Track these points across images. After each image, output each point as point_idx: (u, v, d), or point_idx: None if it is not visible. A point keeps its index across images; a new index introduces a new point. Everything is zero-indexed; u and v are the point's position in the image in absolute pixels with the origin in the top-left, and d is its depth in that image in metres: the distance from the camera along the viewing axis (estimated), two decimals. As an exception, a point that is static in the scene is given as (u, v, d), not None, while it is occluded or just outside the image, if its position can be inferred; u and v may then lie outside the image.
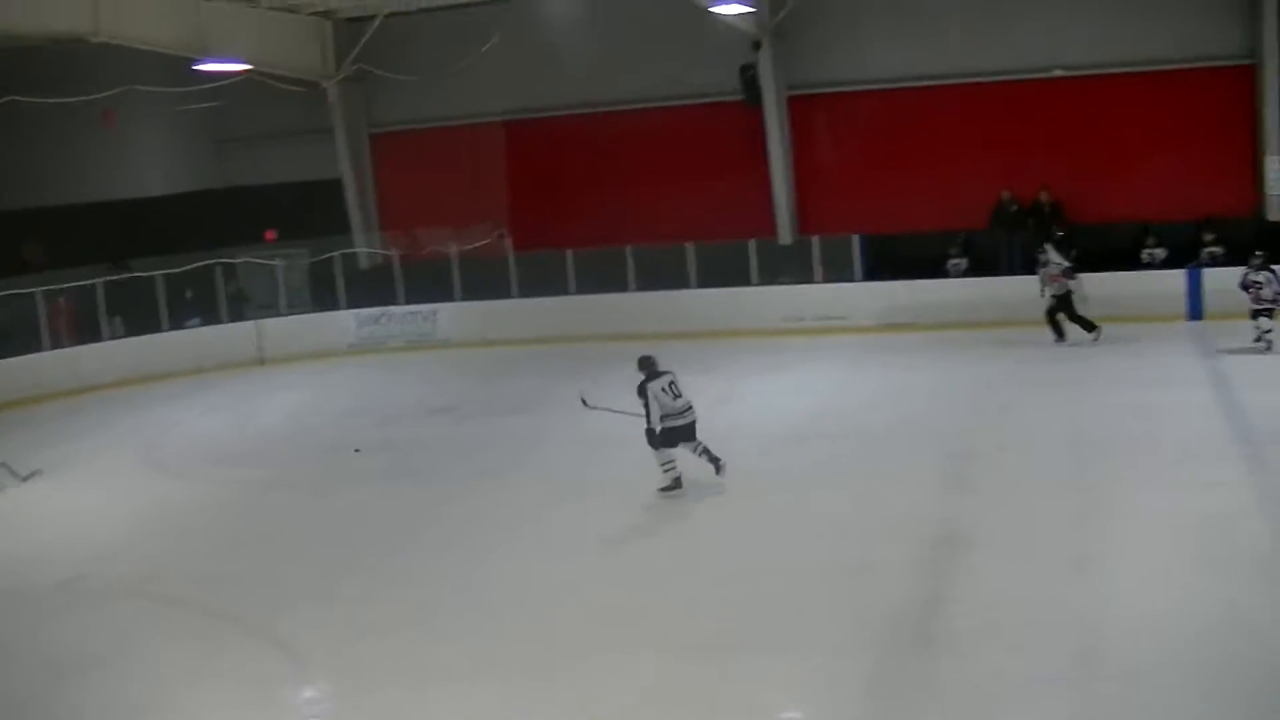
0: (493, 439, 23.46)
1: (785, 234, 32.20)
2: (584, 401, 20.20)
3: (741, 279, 30.72)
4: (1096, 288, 26.48)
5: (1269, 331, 24.56)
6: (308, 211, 35.36)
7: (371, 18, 33.54)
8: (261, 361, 32.31)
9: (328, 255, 33.39)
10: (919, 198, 30.84)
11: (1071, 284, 26.37)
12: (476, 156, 35.18)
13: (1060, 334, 26.72)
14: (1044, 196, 29.95)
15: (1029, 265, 27.77)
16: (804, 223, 32.31)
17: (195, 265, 32.49)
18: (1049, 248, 26.87)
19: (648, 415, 18.21)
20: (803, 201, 32.39)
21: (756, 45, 31.18)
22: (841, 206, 31.93)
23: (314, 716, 13.21)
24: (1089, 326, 26.42)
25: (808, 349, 28.62)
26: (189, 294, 32.80)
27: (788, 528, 17.09)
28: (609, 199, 33.42)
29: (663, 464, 18.61)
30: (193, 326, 32.84)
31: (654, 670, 13.06)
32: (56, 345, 31.59)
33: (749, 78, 31.75)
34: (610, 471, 19.79)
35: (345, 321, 33.07)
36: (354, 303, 33.22)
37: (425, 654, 14.04)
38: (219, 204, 36.09)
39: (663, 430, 18.33)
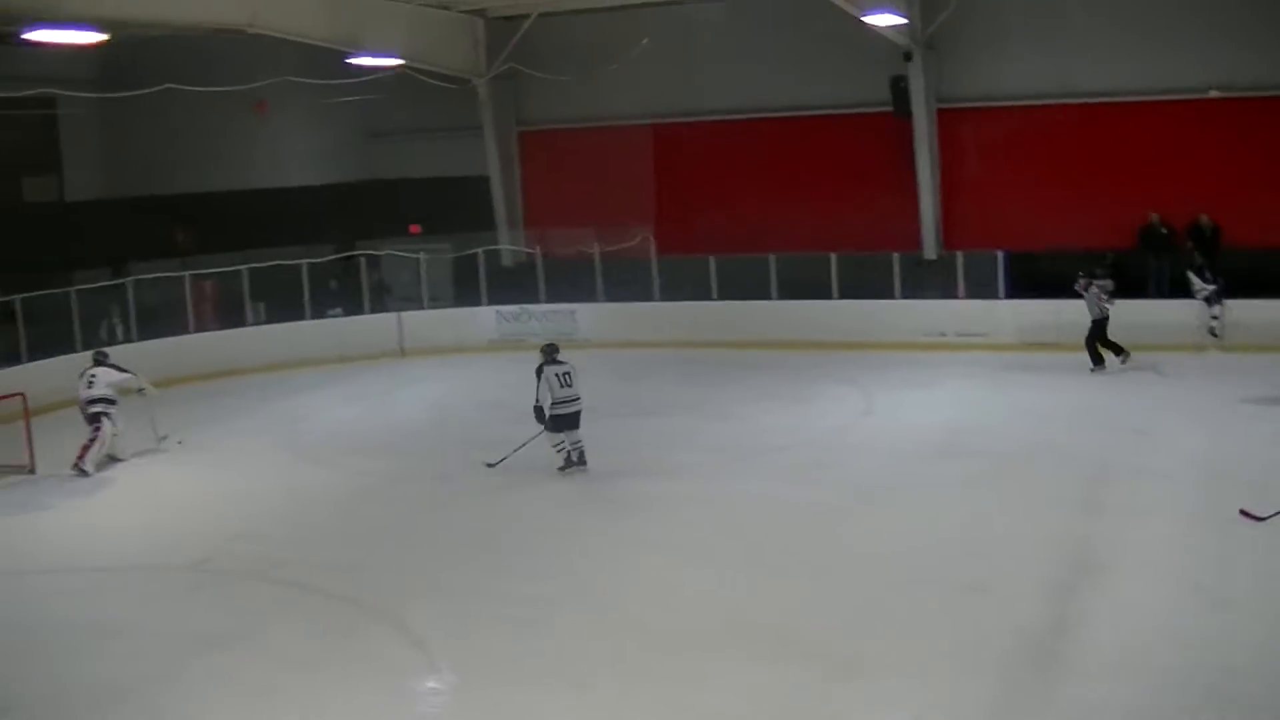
0: (626, 441, 23.40)
1: (930, 248, 31.93)
2: (489, 465, 21.45)
3: (883, 291, 30.42)
4: (1252, 314, 26.01)
5: None
6: (453, 207, 35.61)
7: (524, 17, 33.72)
8: (402, 353, 32.57)
9: (471, 251, 33.55)
10: (1064, 216, 30.40)
11: (1109, 308, 26.72)
12: (623, 158, 35.22)
13: (1099, 360, 26.88)
14: (1204, 220, 29.32)
15: (1175, 288, 27.35)
16: (948, 237, 32.00)
17: (340, 256, 32.83)
18: (1191, 274, 26.52)
19: (537, 394, 20.69)
20: (948, 216, 32.08)
21: (908, 57, 30.90)
22: (986, 222, 31.57)
23: (436, 707, 13.26)
24: (1118, 351, 26.79)
25: (948, 364, 28.33)
26: (333, 283, 33.18)
27: (919, 543, 16.97)
28: (754, 206, 33.31)
29: (553, 445, 21.03)
30: (335, 316, 33.19)
31: (776, 682, 13.01)
32: (201, 329, 32.16)
33: (899, 89, 31.47)
34: (743, 481, 19.73)
35: (486, 317, 33.22)
36: (495, 299, 33.35)
37: (549, 652, 14.10)
38: (365, 196, 36.51)
39: (551, 416, 20.70)
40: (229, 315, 32.72)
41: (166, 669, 14.41)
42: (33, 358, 28.37)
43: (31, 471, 23.34)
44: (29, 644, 15.56)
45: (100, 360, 23.81)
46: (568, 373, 20.90)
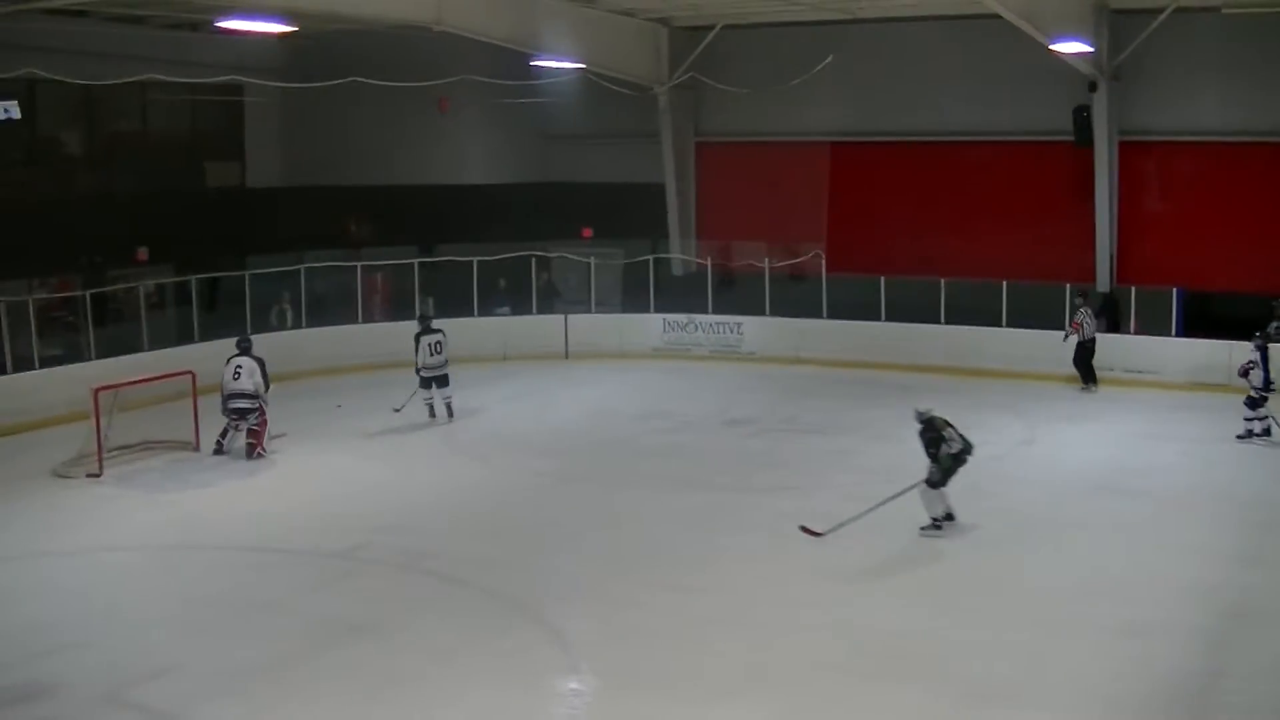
0: (784, 457, 23.28)
1: (1103, 280, 31.21)
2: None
3: (1052, 322, 29.78)
4: None
5: None
6: (625, 213, 35.59)
7: (708, 28, 33.66)
8: (566, 355, 32.60)
9: (642, 258, 33.50)
10: (1244, 257, 29.66)
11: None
12: (798, 174, 35.02)
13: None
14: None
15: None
16: (1122, 271, 31.29)
17: (510, 255, 32.97)
18: None
19: (416, 356, 26.15)
20: (1124, 249, 31.36)
21: (1093, 87, 30.25)
22: (1162, 258, 30.84)
23: (576, 709, 13.23)
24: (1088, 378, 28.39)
25: (1114, 400, 27.65)
26: (502, 282, 33.30)
27: (1072, 580, 16.62)
28: (927, 228, 32.88)
29: (424, 399, 26.34)
30: (502, 314, 33.32)
31: (920, 708, 12.89)
32: (369, 319, 32.54)
33: (1081, 119, 30.83)
34: (897, 506, 19.46)
35: (653, 325, 33.15)
36: (662, 307, 33.25)
37: (690, 663, 14.03)
38: (539, 197, 36.65)
39: (421, 377, 26.15)
40: (397, 308, 32.96)
41: (311, 651, 14.58)
42: (205, 338, 28.85)
43: (195, 449, 23.76)
44: (184, 617, 15.80)
45: (245, 350, 23.92)
46: (438, 342, 26.19)
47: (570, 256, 34.08)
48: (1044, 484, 21.06)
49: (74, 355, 27.45)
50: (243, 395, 23.32)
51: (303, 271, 31.51)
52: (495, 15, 29.21)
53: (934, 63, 32.46)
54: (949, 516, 18.64)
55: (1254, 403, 23.95)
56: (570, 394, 29.01)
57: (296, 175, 36.07)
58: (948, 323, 30.31)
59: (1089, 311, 28.46)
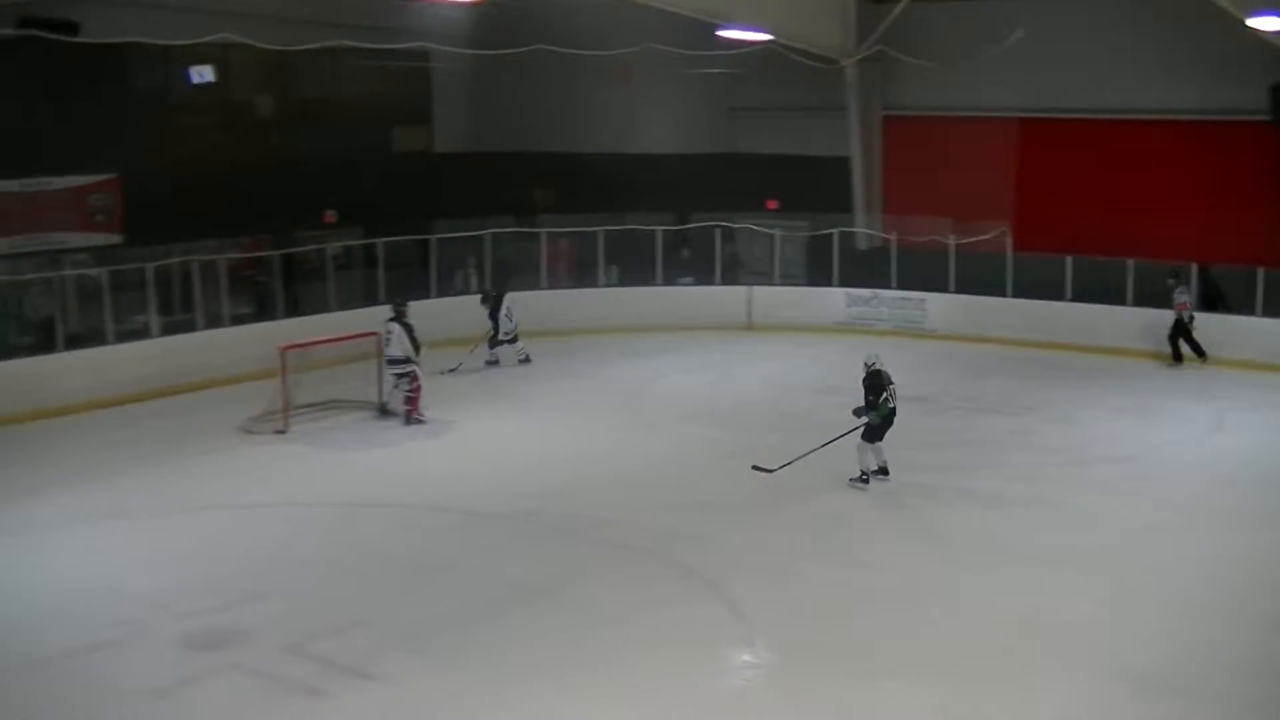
0: (963, 435, 23.00)
1: (1299, 266, 30.34)
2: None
3: (1241, 306, 29.01)
4: None
5: None
6: (810, 186, 35.33)
7: (896, 0, 33.29)
8: (749, 327, 32.47)
9: (827, 231, 33.22)
10: None
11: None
12: (985, 150, 34.48)
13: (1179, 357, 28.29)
14: None
15: None
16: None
17: (695, 225, 32.93)
18: None
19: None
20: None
21: (1292, 64, 29.43)
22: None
23: (749, 681, 13.25)
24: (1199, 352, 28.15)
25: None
26: (685, 252, 33.30)
27: (1237, 571, 16.33)
28: (1115, 208, 32.16)
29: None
30: (685, 284, 33.31)
31: (1090, 695, 12.76)
32: (553, 286, 32.72)
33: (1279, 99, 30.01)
34: (1067, 488, 19.14)
35: (835, 299, 32.88)
36: (846, 281, 32.93)
37: (862, 640, 14.02)
38: (724, 169, 36.52)
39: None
40: (581, 275, 33.14)
41: (483, 611, 14.80)
42: (390, 300, 29.19)
43: (379, 410, 24.05)
44: (364, 573, 16.04)
45: (399, 315, 24.02)
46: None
47: (755, 228, 33.95)
48: (1218, 474, 20.51)
49: (263, 314, 27.93)
50: (393, 361, 23.63)
51: (488, 236, 31.78)
52: (682, -16, 29.17)
53: (1125, 38, 31.74)
54: (882, 471, 19.26)
55: None
56: (752, 366, 28.88)
57: (482, 141, 36.34)
58: (1136, 304, 29.66)
59: (1185, 289, 28.23)
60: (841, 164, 35.57)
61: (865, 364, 19.77)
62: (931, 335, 31.34)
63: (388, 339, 23.68)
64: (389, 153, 36.14)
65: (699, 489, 19.66)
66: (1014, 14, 31.77)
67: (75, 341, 26.12)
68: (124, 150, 29.57)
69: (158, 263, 27.20)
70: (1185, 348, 28.17)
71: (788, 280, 33.61)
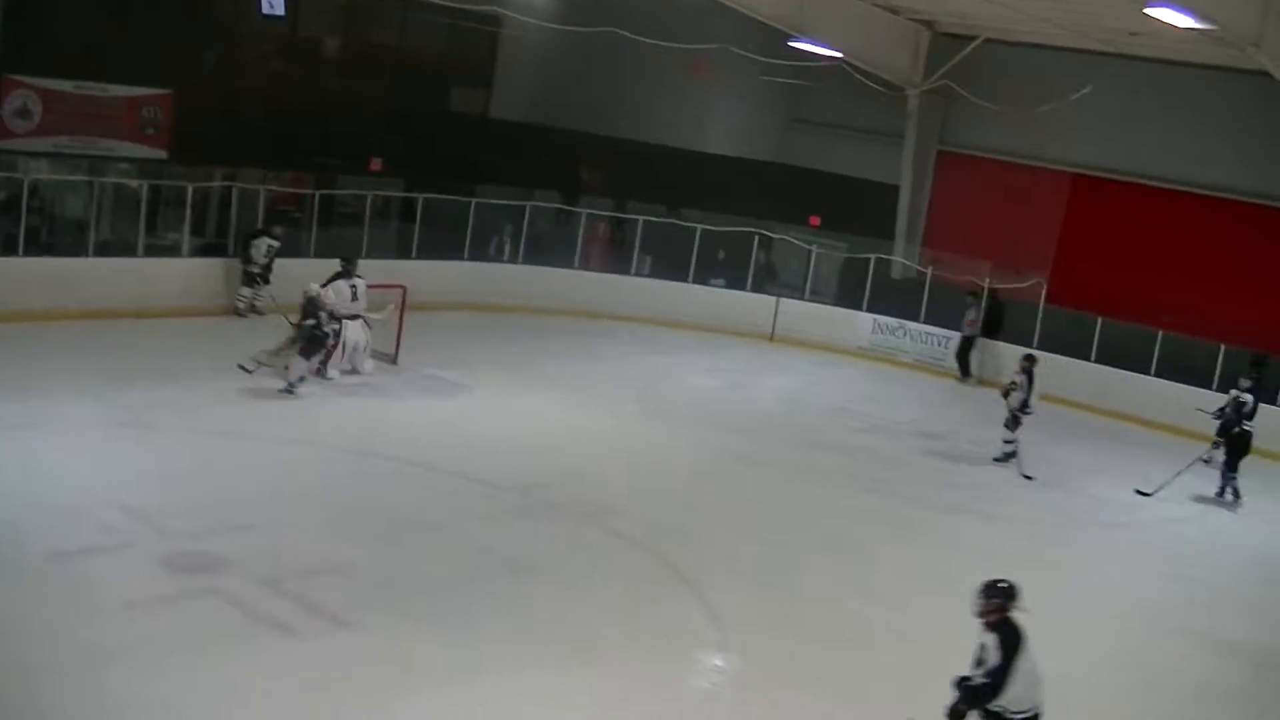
0: (977, 478, 22.87)
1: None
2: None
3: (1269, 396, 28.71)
4: None
5: None
6: (855, 208, 35.26)
7: (970, 37, 33.21)
8: (771, 338, 32.46)
9: (864, 255, 33.19)
10: None
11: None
12: (1034, 199, 34.37)
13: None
14: None
15: None
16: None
17: (735, 229, 32.94)
18: None
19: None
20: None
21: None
22: None
23: (714, 684, 13.28)
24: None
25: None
26: (721, 254, 33.29)
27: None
28: (1153, 276, 32.06)
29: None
30: (716, 286, 33.33)
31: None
32: (585, 267, 32.84)
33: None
34: (1080, 546, 19.08)
35: (862, 323, 32.84)
36: (875, 307, 32.91)
37: (839, 662, 13.97)
38: (773, 178, 36.47)
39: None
40: (615, 261, 33.19)
41: (466, 576, 14.88)
42: (421, 256, 29.28)
43: (394, 362, 24.09)
44: (354, 522, 16.08)
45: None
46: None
47: (793, 240, 33.95)
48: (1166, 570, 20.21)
49: (295, 250, 27.99)
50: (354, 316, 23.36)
51: (528, 208, 31.83)
52: (765, -9, 29.24)
53: (1193, 111, 31.56)
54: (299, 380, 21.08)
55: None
56: (768, 377, 28.90)
57: (538, 114, 36.27)
58: (1157, 375, 29.54)
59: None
60: (889, 191, 35.53)
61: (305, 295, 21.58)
62: (952, 374, 31.27)
63: (355, 291, 23.34)
64: (444, 110, 36.08)
65: (701, 491, 19.71)
66: (1085, 68, 31.71)
67: (105, 249, 26.28)
68: (183, 68, 29.57)
69: (198, 184, 27.30)
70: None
71: (817, 297, 33.62)
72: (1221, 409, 23.46)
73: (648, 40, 29.90)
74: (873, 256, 32.93)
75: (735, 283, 33.33)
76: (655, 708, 12.46)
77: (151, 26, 28.97)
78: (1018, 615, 11.01)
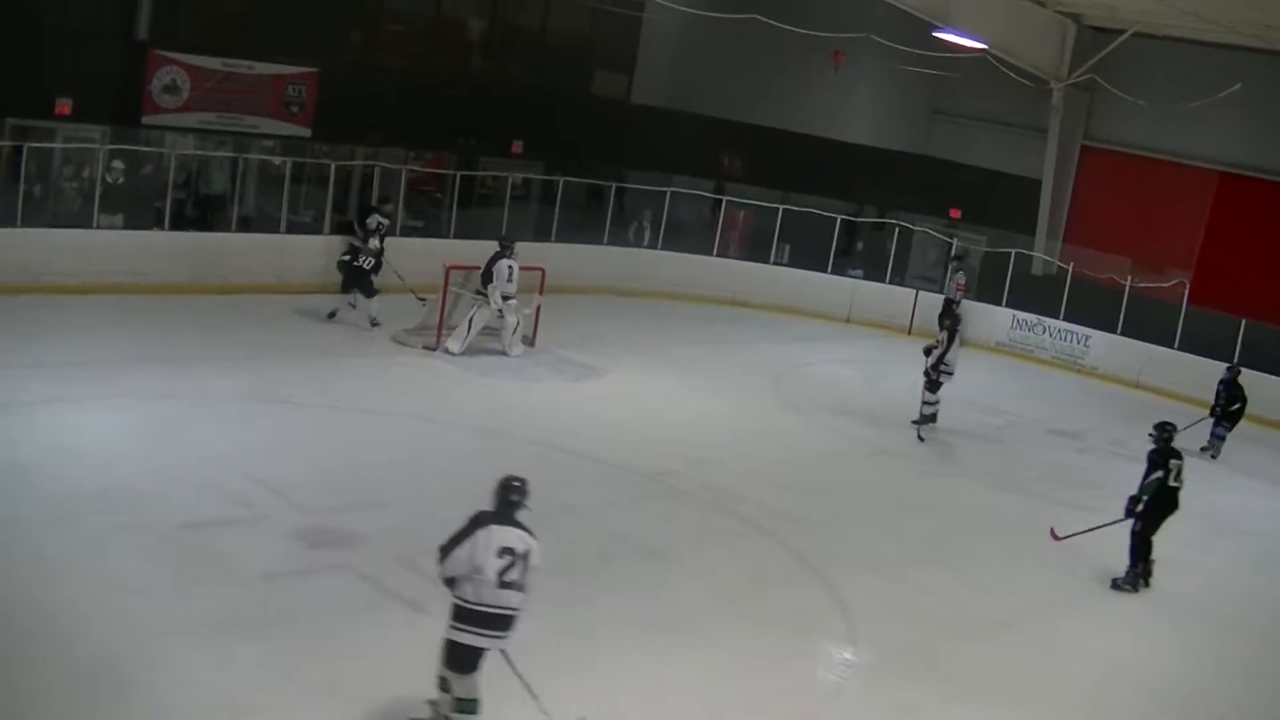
0: (1103, 478, 22.17)
1: None
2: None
3: None
4: None
5: None
6: (995, 202, 34.95)
7: (1118, 31, 32.67)
8: (909, 331, 32.18)
9: (1004, 250, 32.87)
10: None
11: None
12: (1179, 197, 33.81)
13: None
14: None
15: None
16: None
17: (874, 220, 32.74)
18: None
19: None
20: None
21: None
22: None
23: (842, 678, 13.20)
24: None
25: None
26: (859, 245, 33.13)
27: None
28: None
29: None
30: (854, 277, 33.18)
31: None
32: (722, 254, 32.81)
33: None
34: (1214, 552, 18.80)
35: (1001, 319, 32.52)
36: (1014, 303, 32.56)
37: (963, 660, 13.88)
38: (914, 169, 36.20)
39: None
40: (752, 249, 33.12)
41: (596, 560, 14.94)
42: (559, 239, 29.40)
43: (531, 344, 24.21)
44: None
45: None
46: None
47: (933, 233, 33.72)
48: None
49: (434, 230, 28.19)
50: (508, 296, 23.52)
51: (668, 194, 31.86)
52: (912, -20, 29.01)
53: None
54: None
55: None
56: (903, 369, 28.40)
57: (680, 99, 36.29)
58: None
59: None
60: (1031, 185, 35.09)
61: None
62: (1090, 372, 30.90)
63: (511, 273, 23.48)
64: (586, 94, 36.22)
65: (831, 481, 19.63)
66: (1233, 64, 31.05)
67: (247, 224, 26.66)
68: (328, 47, 29.96)
69: (340, 162, 27.59)
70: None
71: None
72: None
73: (790, 27, 29.77)
74: (1013, 251, 32.59)
75: (873, 275, 33.13)
76: (780, 694, 12.43)
77: (298, 5, 29.35)
78: None
